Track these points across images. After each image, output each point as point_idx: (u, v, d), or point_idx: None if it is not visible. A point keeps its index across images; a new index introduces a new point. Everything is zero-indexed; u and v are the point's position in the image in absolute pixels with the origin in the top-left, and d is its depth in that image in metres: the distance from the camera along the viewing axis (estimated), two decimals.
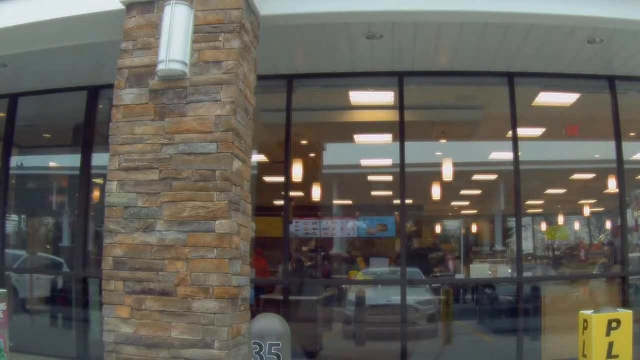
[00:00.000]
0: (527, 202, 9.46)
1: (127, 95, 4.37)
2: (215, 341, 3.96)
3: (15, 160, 7.37)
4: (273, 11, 4.77)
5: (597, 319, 3.86)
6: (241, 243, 4.32)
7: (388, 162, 7.67)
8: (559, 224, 10.57)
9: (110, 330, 4.15)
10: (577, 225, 10.57)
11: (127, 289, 4.13)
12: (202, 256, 4.05)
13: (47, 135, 8.35)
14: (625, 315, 3.90)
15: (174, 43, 4.17)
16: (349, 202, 9.89)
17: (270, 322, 3.44)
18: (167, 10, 4.24)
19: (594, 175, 9.38)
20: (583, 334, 3.95)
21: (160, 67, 4.19)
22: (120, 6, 4.57)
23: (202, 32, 4.32)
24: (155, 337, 4.04)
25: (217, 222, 4.07)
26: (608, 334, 3.73)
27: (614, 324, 3.76)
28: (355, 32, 5.39)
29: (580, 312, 3.97)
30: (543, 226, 10.63)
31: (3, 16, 5.07)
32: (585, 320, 3.93)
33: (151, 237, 4.14)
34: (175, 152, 4.20)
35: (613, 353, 3.73)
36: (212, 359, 3.94)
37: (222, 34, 4.29)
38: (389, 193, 8.89)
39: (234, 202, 4.18)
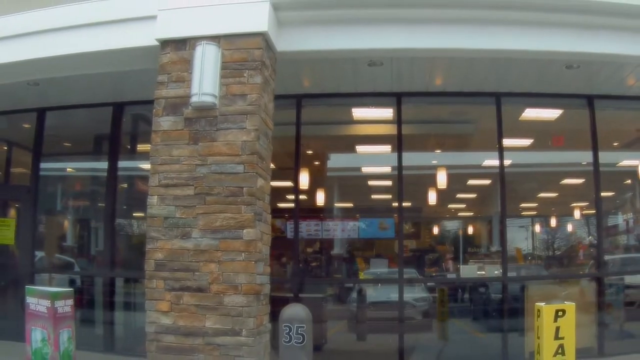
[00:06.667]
0: (516, 206, 9.66)
1: (164, 122, 4.91)
2: (243, 330, 4.51)
3: (44, 167, 7.59)
4: (288, 48, 5.28)
5: (547, 309, 4.75)
6: (263, 247, 4.89)
7: (387, 169, 8.11)
8: (547, 226, 10.98)
9: (152, 322, 4.68)
10: (561, 229, 10.94)
11: (167, 287, 4.66)
12: (232, 259, 4.60)
13: (69, 145, 8.65)
14: (570, 306, 4.79)
15: (205, 78, 4.73)
16: (350, 204, 10.24)
17: (297, 310, 4.55)
18: (199, 49, 4.81)
19: (577, 181, 9.70)
20: (537, 320, 4.83)
21: (194, 99, 4.75)
22: (154, 42, 5.08)
23: (229, 69, 4.86)
24: (192, 327, 4.58)
25: (245, 230, 4.62)
26: (555, 320, 4.59)
27: (560, 313, 4.63)
28: (359, 61, 5.91)
29: (536, 304, 4.80)
30: (530, 229, 11.03)
31: (43, 47, 5.49)
32: (538, 310, 4.82)
33: (188, 243, 4.68)
34: (208, 171, 4.73)
35: (559, 335, 4.59)
36: (240, 345, 4.50)
37: (247, 71, 4.83)
38: (388, 196, 9.29)
39: (258, 213, 4.75)
